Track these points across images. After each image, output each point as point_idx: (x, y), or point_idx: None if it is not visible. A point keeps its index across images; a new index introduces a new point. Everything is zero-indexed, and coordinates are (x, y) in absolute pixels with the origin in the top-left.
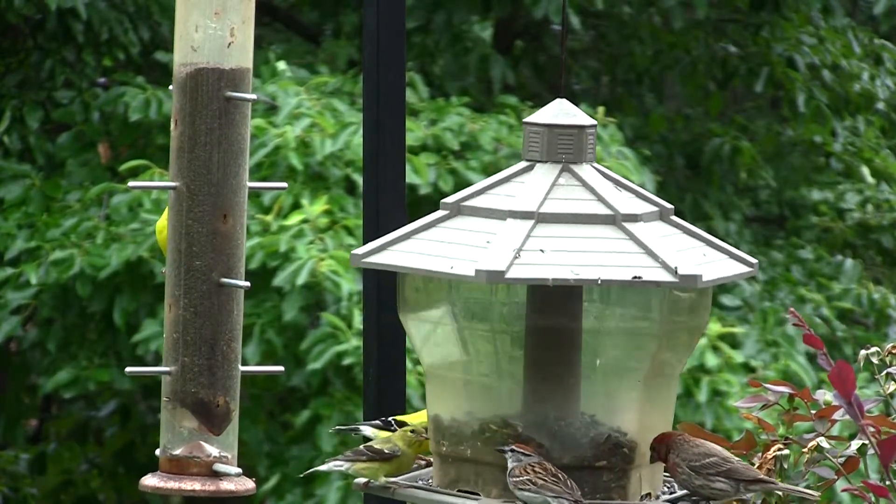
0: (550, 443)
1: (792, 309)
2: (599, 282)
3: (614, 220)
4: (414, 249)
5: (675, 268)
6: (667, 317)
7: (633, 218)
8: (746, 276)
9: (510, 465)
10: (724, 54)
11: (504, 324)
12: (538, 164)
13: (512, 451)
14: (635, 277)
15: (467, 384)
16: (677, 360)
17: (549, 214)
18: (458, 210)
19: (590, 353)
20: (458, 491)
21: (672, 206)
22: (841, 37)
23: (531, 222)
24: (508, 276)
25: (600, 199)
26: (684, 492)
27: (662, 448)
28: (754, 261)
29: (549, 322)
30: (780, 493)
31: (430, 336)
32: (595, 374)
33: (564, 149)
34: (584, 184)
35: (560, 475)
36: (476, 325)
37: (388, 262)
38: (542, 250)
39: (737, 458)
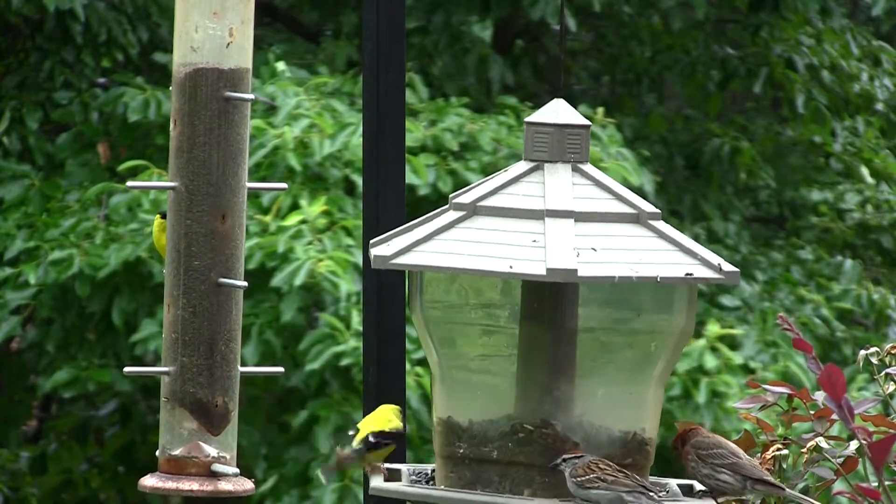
0: (584, 442)
1: (781, 315)
2: (659, 279)
3: (638, 218)
4: (446, 250)
5: (719, 264)
6: (688, 314)
7: (655, 216)
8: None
9: (567, 470)
10: (723, 55)
11: (533, 324)
12: (547, 165)
13: (564, 460)
14: (688, 274)
15: (496, 385)
16: (676, 360)
17: (583, 213)
18: (474, 210)
19: (616, 352)
20: (487, 492)
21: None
22: (840, 37)
23: (571, 221)
24: (581, 274)
25: (619, 197)
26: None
27: (680, 441)
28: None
29: (576, 322)
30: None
31: (452, 337)
32: (624, 373)
33: (572, 149)
34: (597, 183)
35: (624, 470)
36: (505, 324)
37: (425, 262)
38: (594, 249)
39: (747, 456)
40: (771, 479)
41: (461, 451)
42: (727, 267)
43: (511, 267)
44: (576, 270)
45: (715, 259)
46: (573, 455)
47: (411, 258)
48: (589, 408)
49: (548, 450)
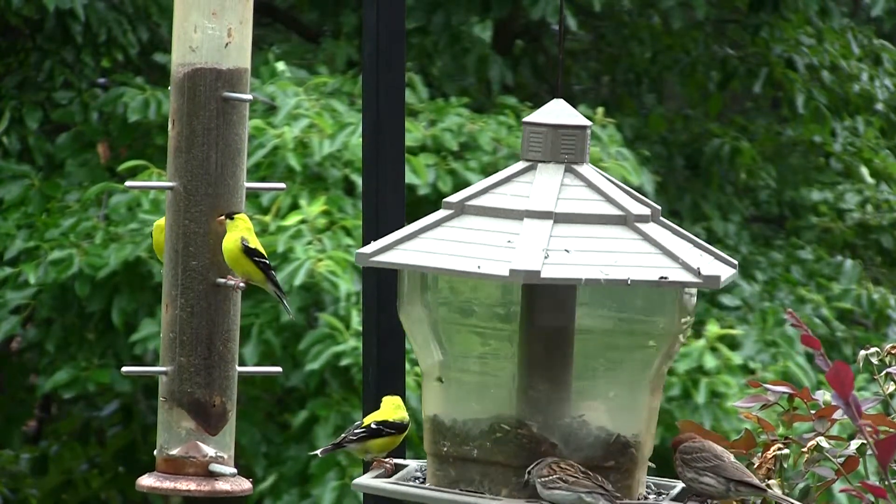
0: (563, 443)
1: (790, 310)
2: (629, 282)
3: (625, 220)
4: (425, 248)
5: (698, 268)
6: (676, 318)
7: (644, 219)
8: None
9: (534, 473)
10: (723, 55)
11: (513, 324)
12: (541, 165)
13: (529, 472)
14: (662, 278)
15: (476, 384)
16: (670, 363)
17: (565, 214)
18: (462, 209)
19: (602, 354)
20: (464, 491)
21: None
22: (840, 37)
23: (550, 222)
24: (544, 275)
25: (608, 199)
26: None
27: (673, 448)
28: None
29: (558, 323)
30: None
31: (434, 336)
32: (607, 375)
33: (567, 149)
34: (589, 184)
35: (588, 471)
36: (487, 324)
37: (402, 261)
38: (567, 250)
39: (730, 459)
40: (754, 480)
41: (445, 449)
42: (707, 271)
43: (479, 267)
44: (538, 272)
45: (695, 262)
46: (539, 460)
47: (390, 256)
48: (570, 409)
49: (524, 450)
